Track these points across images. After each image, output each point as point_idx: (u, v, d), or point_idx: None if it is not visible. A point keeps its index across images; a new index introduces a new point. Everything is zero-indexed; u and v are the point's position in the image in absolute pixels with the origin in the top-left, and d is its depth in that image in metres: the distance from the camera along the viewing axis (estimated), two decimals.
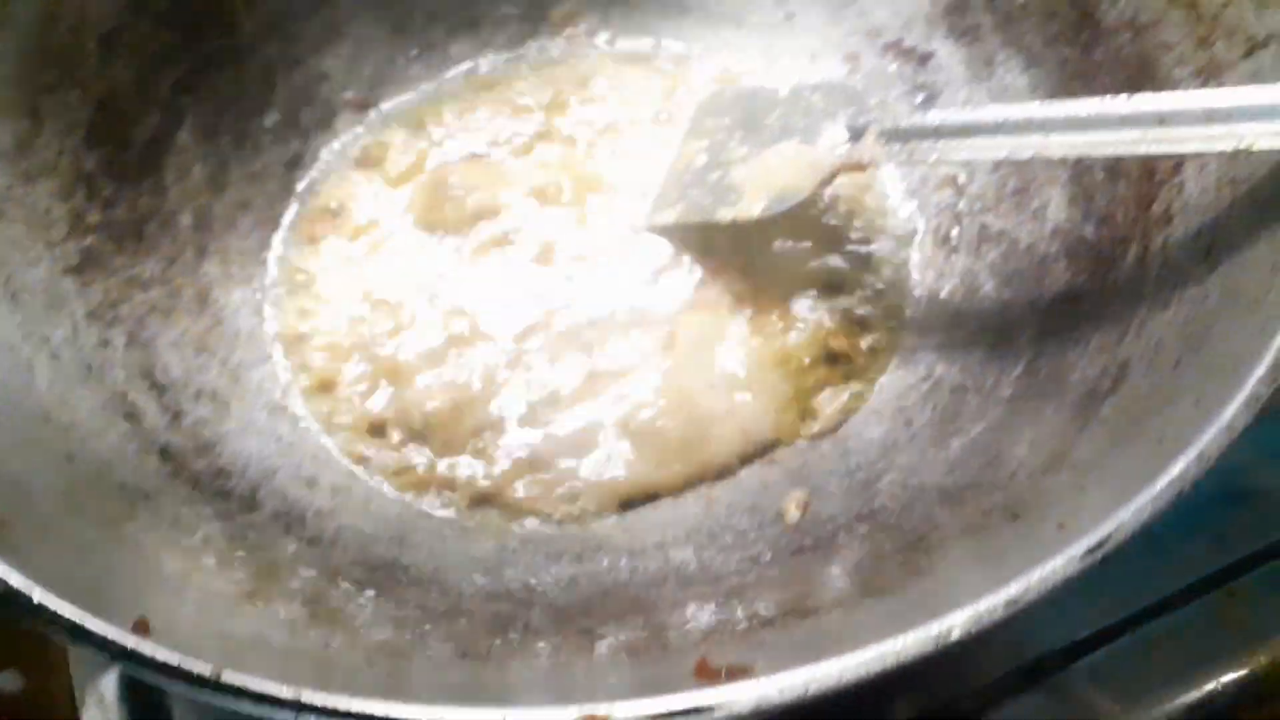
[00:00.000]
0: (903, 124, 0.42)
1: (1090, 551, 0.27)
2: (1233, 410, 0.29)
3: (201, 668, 0.26)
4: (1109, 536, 0.27)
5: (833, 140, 0.45)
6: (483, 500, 0.43)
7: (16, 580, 0.27)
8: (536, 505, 0.43)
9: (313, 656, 0.31)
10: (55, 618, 0.26)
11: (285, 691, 0.25)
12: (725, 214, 0.46)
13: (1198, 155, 0.40)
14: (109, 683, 0.45)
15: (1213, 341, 0.34)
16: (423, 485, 0.43)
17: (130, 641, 0.26)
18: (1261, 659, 0.46)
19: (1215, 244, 0.37)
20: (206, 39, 0.51)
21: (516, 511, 0.43)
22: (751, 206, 0.45)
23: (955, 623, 0.26)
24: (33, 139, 0.44)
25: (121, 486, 0.37)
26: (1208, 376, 0.32)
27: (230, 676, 0.26)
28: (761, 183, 0.46)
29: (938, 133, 0.40)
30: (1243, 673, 0.46)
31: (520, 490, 0.43)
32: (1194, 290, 0.37)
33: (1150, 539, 0.47)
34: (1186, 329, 0.35)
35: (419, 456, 0.44)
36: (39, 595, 0.27)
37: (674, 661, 0.31)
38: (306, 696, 0.25)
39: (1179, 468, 0.28)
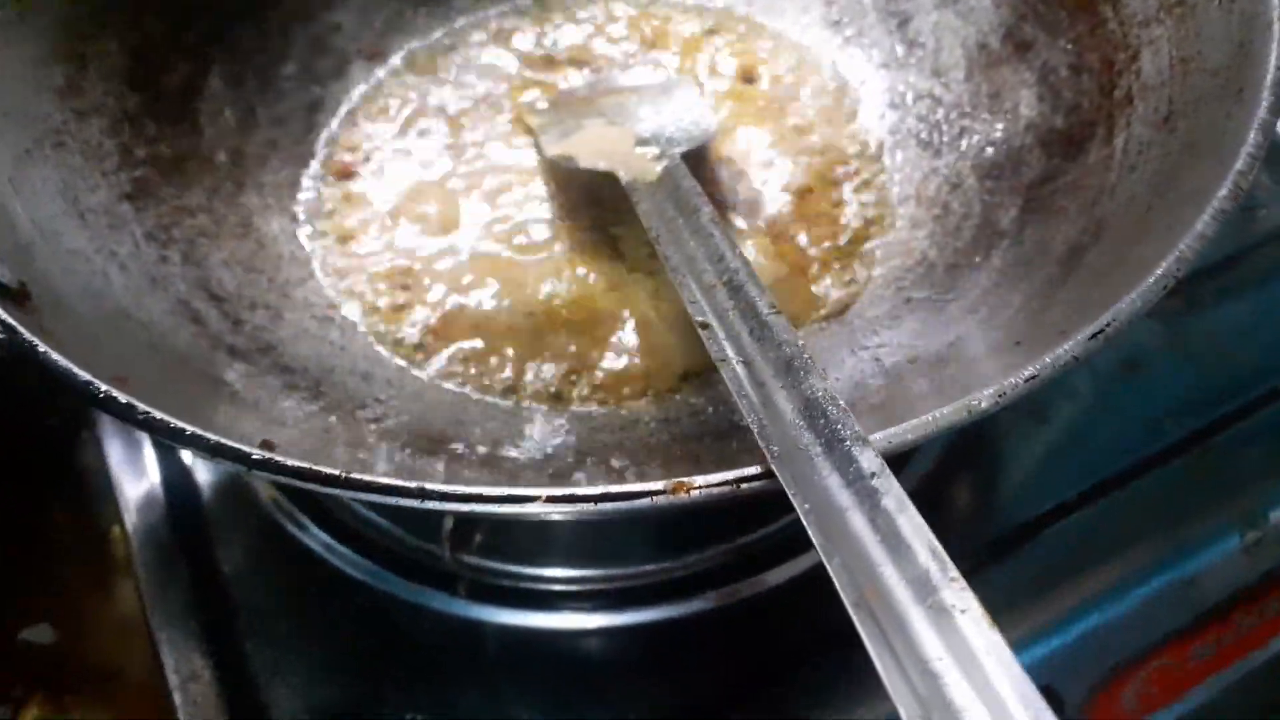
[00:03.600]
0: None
1: (1095, 336, 0.31)
2: (1203, 221, 0.33)
3: (331, 469, 0.29)
4: (1110, 323, 0.31)
5: (622, 137, 0.50)
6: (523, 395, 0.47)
7: (157, 412, 0.30)
8: (575, 394, 0.46)
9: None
10: (197, 438, 0.29)
11: (410, 483, 0.29)
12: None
13: (1151, 42, 0.45)
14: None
15: (1179, 184, 0.38)
16: (467, 382, 0.47)
17: (260, 454, 0.29)
18: (1235, 510, 0.51)
19: (1173, 112, 0.42)
20: None
21: (552, 401, 0.46)
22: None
23: (983, 395, 0.30)
24: (80, 81, 0.47)
25: (203, 373, 0.40)
26: (1178, 209, 0.36)
27: (357, 474, 0.29)
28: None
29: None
30: (1221, 524, 0.51)
31: (552, 386, 0.47)
32: (1157, 151, 0.41)
33: (1130, 413, 0.53)
34: (1154, 181, 0.40)
35: (455, 359, 0.48)
36: (174, 420, 0.30)
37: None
38: (429, 485, 0.29)
39: (1163, 267, 0.33)
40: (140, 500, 0.52)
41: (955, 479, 0.53)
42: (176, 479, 0.52)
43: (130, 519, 0.52)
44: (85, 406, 0.33)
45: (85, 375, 0.31)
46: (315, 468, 0.29)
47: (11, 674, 0.53)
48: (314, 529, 0.50)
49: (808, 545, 0.28)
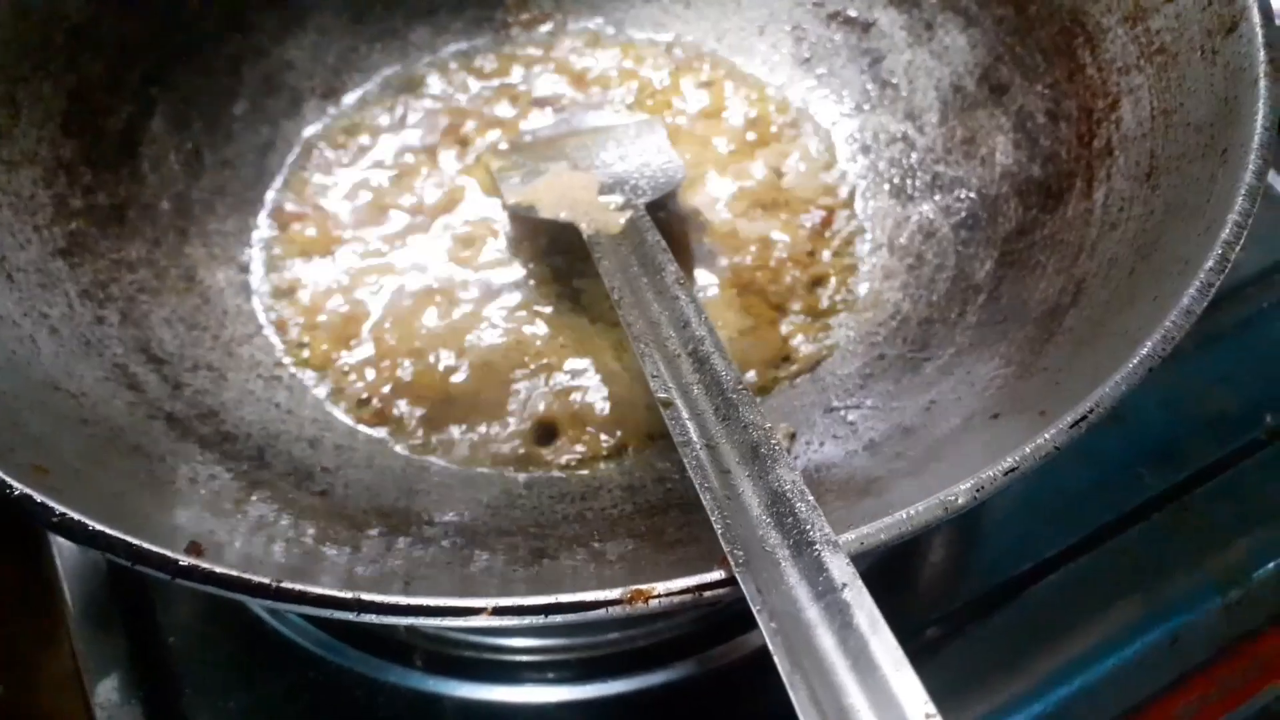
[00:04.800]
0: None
1: (1077, 423, 0.30)
2: (1189, 296, 0.32)
3: (262, 578, 0.27)
4: (1093, 409, 0.30)
5: (585, 184, 0.48)
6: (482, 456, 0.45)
7: (75, 514, 0.28)
8: (535, 457, 0.44)
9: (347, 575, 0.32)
10: (114, 542, 0.27)
11: (345, 594, 0.27)
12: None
13: (1131, 90, 0.43)
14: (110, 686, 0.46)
15: (1163, 249, 0.37)
16: (422, 447, 0.45)
17: (187, 560, 0.27)
18: (1218, 566, 0.50)
19: (1155, 167, 0.40)
20: (170, 32, 0.52)
21: (514, 464, 0.44)
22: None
23: (960, 490, 0.28)
24: (12, 127, 0.45)
25: (136, 448, 0.37)
26: (1162, 277, 0.35)
27: (290, 584, 0.27)
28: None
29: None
30: (1201, 581, 0.50)
31: (512, 447, 0.45)
32: (1140, 210, 0.40)
33: (1111, 465, 0.51)
34: (1137, 242, 0.39)
35: (410, 419, 0.46)
36: (95, 524, 0.28)
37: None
38: (365, 596, 0.27)
39: (1148, 347, 0.31)
40: (79, 562, 0.50)
41: (930, 535, 0.51)
42: None
43: (67, 579, 0.49)
44: None
45: None
46: (244, 576, 0.27)
47: None
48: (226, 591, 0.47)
49: None
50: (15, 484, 0.28)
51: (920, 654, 0.25)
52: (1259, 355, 0.57)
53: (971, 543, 0.51)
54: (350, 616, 0.27)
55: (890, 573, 0.49)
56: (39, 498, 0.28)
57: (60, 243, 0.44)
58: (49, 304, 0.41)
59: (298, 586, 0.27)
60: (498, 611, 0.26)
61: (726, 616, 0.46)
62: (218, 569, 0.27)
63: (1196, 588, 0.49)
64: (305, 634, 0.47)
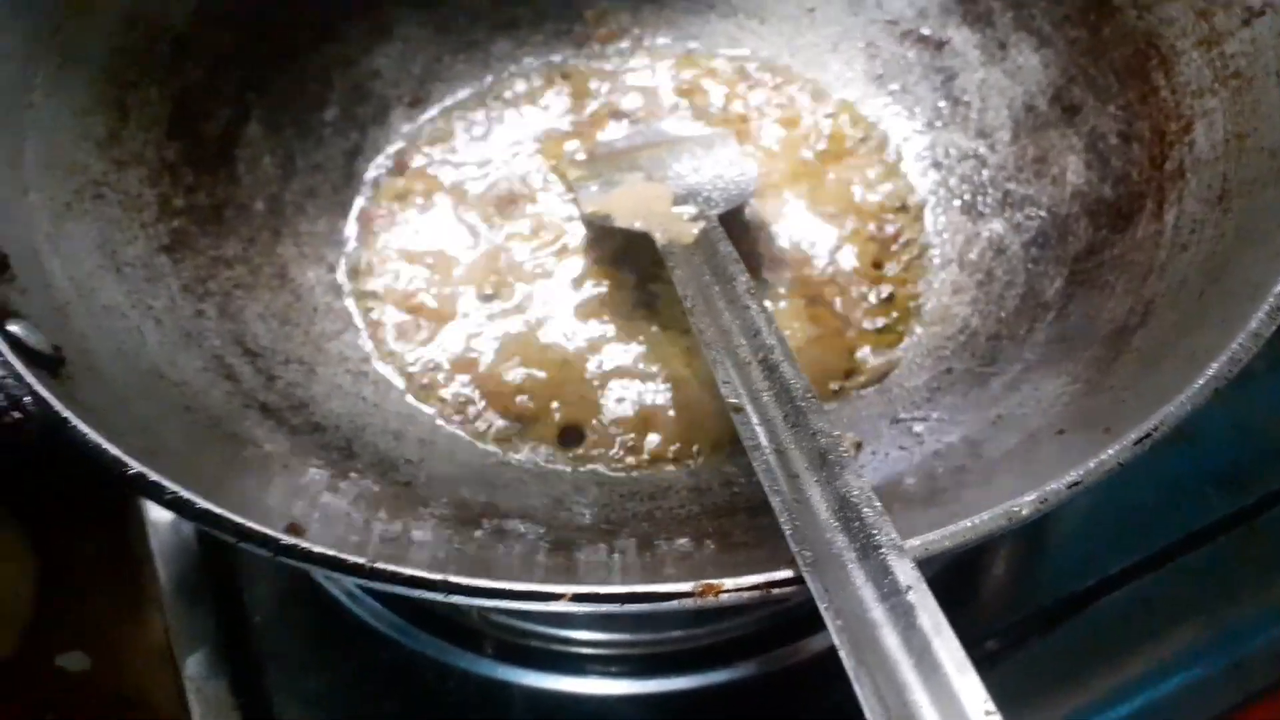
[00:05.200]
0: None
1: (1141, 440, 0.30)
2: (1258, 320, 0.32)
3: (358, 558, 0.29)
4: (1157, 427, 0.30)
5: (659, 194, 0.49)
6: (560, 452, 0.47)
7: (185, 492, 0.30)
8: (608, 456, 0.46)
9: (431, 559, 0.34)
10: (220, 520, 0.29)
11: (434, 575, 0.28)
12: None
13: (1205, 113, 0.44)
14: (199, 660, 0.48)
15: (1232, 273, 0.37)
16: (500, 443, 0.46)
17: (289, 539, 0.29)
18: None
19: (1227, 191, 0.41)
20: (266, 41, 0.55)
21: (586, 460, 0.46)
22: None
23: (1024, 502, 0.29)
24: (120, 130, 0.48)
25: (233, 435, 0.40)
26: (1230, 301, 0.35)
27: (383, 565, 0.29)
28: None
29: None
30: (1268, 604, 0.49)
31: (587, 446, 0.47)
32: (1211, 232, 0.40)
33: (1178, 485, 0.51)
34: (1207, 265, 0.39)
35: (488, 417, 0.47)
36: (203, 503, 0.30)
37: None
38: (453, 578, 0.28)
39: (1214, 368, 0.32)
40: (172, 539, 0.52)
41: (995, 546, 0.52)
42: None
43: (160, 557, 0.52)
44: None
45: (114, 451, 0.31)
46: (340, 556, 0.29)
47: (45, 699, 0.53)
48: (339, 576, 0.50)
49: None
50: (132, 462, 0.30)
51: (980, 664, 0.26)
52: None
53: (1036, 557, 0.51)
54: (439, 597, 0.28)
55: (954, 583, 0.50)
56: (153, 476, 0.30)
57: (164, 239, 0.47)
58: (154, 297, 0.44)
59: (391, 567, 0.28)
60: (577, 598, 0.28)
61: (788, 620, 0.47)
62: (315, 548, 0.29)
63: (1261, 613, 0.49)
64: (380, 617, 0.49)
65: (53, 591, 0.56)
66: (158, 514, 0.53)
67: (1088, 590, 0.49)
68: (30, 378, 0.32)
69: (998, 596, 0.51)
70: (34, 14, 0.44)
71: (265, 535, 0.29)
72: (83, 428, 0.31)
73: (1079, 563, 0.50)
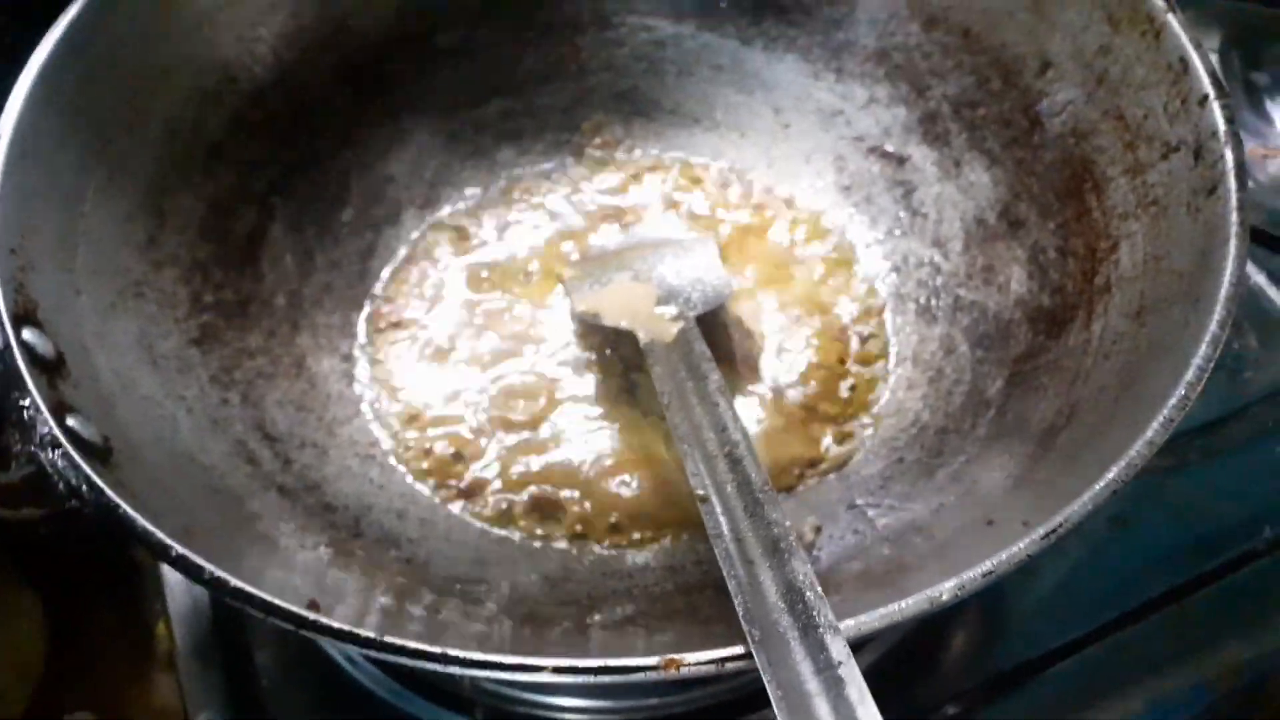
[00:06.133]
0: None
1: (1046, 536, 0.35)
2: (1152, 431, 0.37)
3: (369, 632, 0.33)
4: (1061, 524, 0.35)
5: (645, 295, 0.54)
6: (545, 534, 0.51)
7: (219, 571, 0.34)
8: (592, 535, 0.51)
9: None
10: (252, 598, 0.34)
11: (435, 648, 0.33)
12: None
13: (1129, 235, 0.49)
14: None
15: (1143, 382, 0.42)
16: (494, 522, 0.51)
17: (311, 615, 0.34)
18: (1211, 666, 0.54)
19: (1144, 307, 0.46)
20: (292, 147, 0.60)
21: (572, 541, 0.51)
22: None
23: (945, 588, 0.34)
24: (159, 234, 0.52)
25: (254, 515, 0.44)
26: (1139, 408, 0.40)
27: (391, 638, 0.33)
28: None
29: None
30: (1194, 679, 0.54)
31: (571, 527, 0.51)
32: (1128, 344, 0.45)
33: (1116, 566, 0.56)
34: (1123, 374, 0.44)
35: (485, 499, 0.52)
36: (235, 581, 0.34)
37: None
38: (451, 651, 0.33)
39: (1113, 473, 0.36)
40: (186, 603, 0.56)
41: (955, 618, 0.56)
42: None
43: (176, 621, 0.56)
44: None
45: (160, 536, 0.35)
46: (355, 630, 0.33)
47: None
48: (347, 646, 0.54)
49: None
50: (175, 545, 0.35)
51: None
52: (1263, 470, 0.61)
53: (993, 629, 0.56)
54: (438, 667, 0.33)
55: (918, 651, 0.54)
56: (194, 558, 0.35)
57: (194, 333, 0.52)
58: (185, 387, 0.49)
59: (397, 640, 0.33)
60: (558, 670, 0.32)
61: (755, 690, 0.51)
62: (334, 624, 0.33)
63: (1188, 689, 0.53)
64: (379, 682, 0.53)
65: (63, 650, 0.59)
66: (173, 578, 0.57)
67: (1034, 660, 0.54)
68: (87, 468, 0.36)
69: (957, 663, 0.55)
70: (89, 130, 0.49)
71: (290, 612, 0.34)
72: (132, 513, 0.36)
73: (1028, 635, 0.55)
